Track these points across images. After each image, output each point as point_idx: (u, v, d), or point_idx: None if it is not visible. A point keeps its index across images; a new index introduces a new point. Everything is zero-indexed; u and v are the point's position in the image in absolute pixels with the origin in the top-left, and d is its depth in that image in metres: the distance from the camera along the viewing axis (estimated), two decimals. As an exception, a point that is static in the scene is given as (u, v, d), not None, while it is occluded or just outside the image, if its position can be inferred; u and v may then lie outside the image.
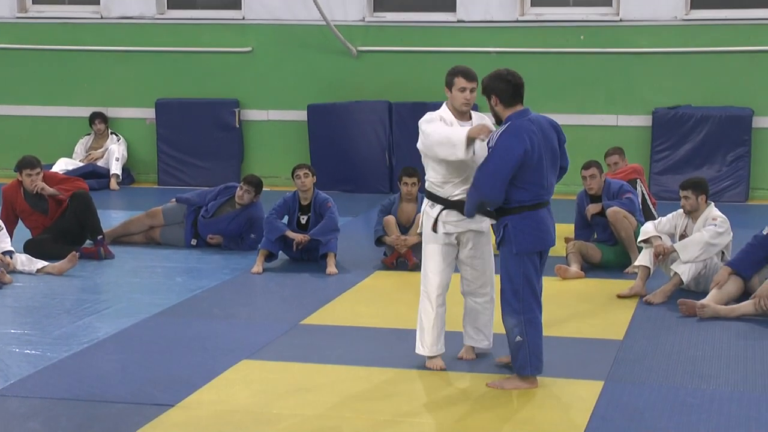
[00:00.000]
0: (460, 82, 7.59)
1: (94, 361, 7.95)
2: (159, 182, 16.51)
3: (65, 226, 11.42)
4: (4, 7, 16.91)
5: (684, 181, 10.03)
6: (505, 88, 7.38)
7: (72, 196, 11.45)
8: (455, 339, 7.96)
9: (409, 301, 9.73)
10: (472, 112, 7.75)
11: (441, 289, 7.65)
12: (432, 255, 7.62)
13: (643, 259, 9.91)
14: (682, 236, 9.93)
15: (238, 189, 11.73)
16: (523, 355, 7.23)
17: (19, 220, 11.55)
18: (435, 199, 7.59)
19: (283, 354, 8.13)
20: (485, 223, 7.58)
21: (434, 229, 7.55)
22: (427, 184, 7.65)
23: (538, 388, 7.32)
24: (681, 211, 10.04)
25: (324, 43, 16.05)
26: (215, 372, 7.61)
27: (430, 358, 7.68)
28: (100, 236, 11.38)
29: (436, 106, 15.36)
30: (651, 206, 11.98)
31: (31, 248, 11.14)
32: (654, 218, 10.98)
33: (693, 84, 15.25)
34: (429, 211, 7.60)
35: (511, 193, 7.15)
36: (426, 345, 7.67)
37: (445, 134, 7.40)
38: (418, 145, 7.65)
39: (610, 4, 15.46)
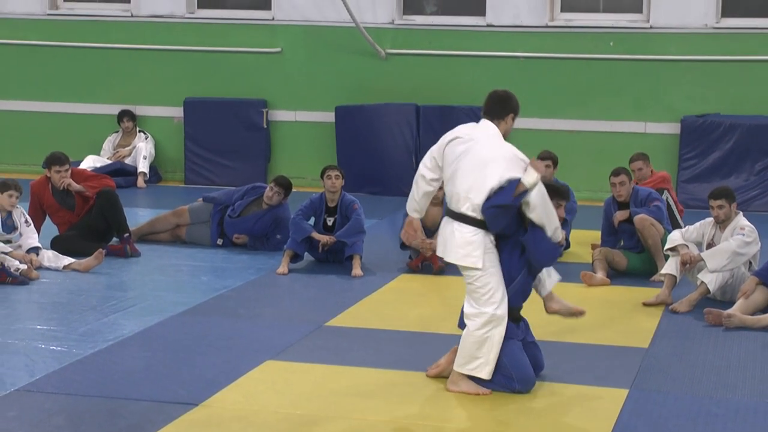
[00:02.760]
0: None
1: (119, 359, 7.97)
2: (186, 181, 16.54)
3: (92, 223, 11.47)
4: (36, 4, 16.99)
5: (714, 191, 9.96)
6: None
7: (98, 193, 11.49)
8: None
9: (433, 305, 9.73)
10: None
11: None
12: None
13: (670, 267, 9.87)
14: (710, 245, 9.88)
15: (268, 190, 11.74)
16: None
17: (47, 217, 11.60)
18: (479, 224, 7.24)
19: (308, 355, 8.13)
20: None
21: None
22: (467, 208, 7.23)
23: (562, 394, 7.29)
24: (709, 219, 10.00)
25: (353, 45, 16.05)
26: (239, 372, 7.62)
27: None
28: (127, 234, 11.42)
29: (463, 110, 15.58)
30: (677, 214, 11.94)
31: (57, 245, 11.19)
32: (680, 227, 10.94)
33: (722, 92, 15.18)
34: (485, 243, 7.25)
35: None
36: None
37: (552, 209, 7.27)
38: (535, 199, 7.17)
39: (641, 11, 15.41)
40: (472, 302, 7.24)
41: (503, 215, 7.11)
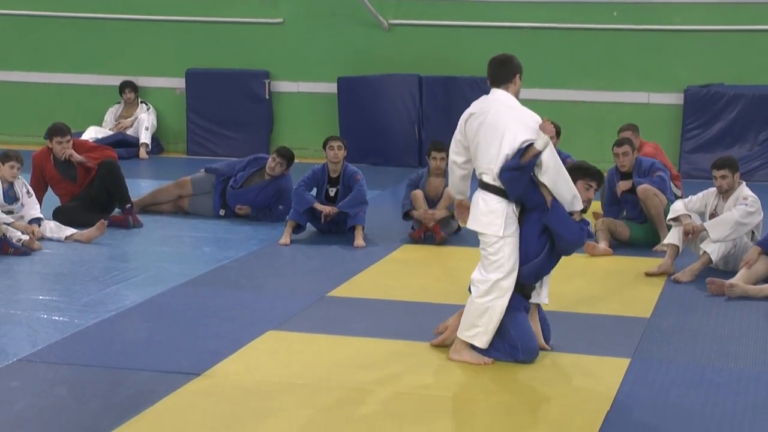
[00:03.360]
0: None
1: (121, 329, 7.98)
2: (188, 152, 16.53)
3: (93, 194, 11.46)
4: (37, -26, 16.96)
5: (717, 161, 9.94)
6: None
7: (100, 164, 11.47)
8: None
9: (436, 275, 9.73)
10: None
11: None
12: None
13: (672, 237, 9.86)
14: (712, 215, 9.87)
15: (270, 160, 11.72)
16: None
17: (48, 188, 11.59)
18: (502, 192, 7.22)
19: (310, 325, 8.13)
20: None
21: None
22: (489, 177, 7.20)
23: (566, 364, 7.30)
24: (712, 190, 9.98)
25: (355, 16, 16.00)
26: (241, 342, 7.62)
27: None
28: (129, 205, 11.41)
29: (466, 81, 15.54)
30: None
31: (59, 215, 11.19)
32: (677, 193, 10.95)
33: (726, 62, 15.13)
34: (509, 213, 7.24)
35: None
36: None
37: (567, 177, 7.25)
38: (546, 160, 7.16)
39: (644, -19, 15.36)
40: (481, 269, 7.26)
41: (519, 179, 7.11)
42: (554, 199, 7.20)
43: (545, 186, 7.18)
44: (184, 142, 16.67)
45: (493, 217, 7.18)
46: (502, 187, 7.17)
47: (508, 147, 7.12)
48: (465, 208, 7.55)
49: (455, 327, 7.46)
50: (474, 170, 7.39)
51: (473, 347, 7.30)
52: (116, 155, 12.00)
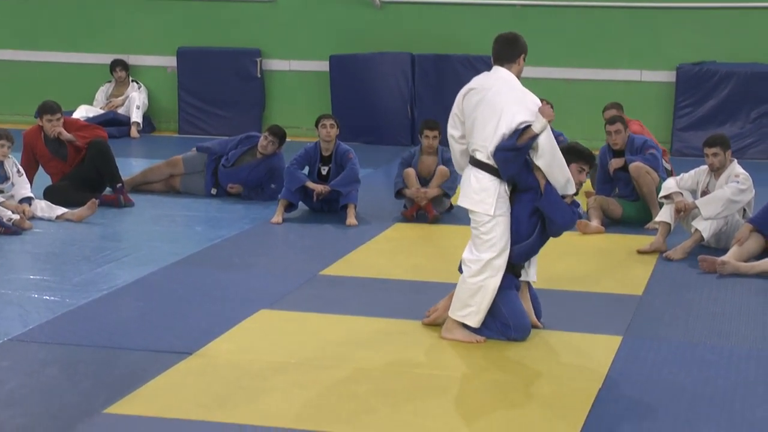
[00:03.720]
0: None
1: (113, 309, 7.96)
2: (179, 131, 16.49)
3: (84, 174, 11.43)
4: (27, -48, 16.88)
5: (709, 139, 9.94)
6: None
7: (90, 144, 11.44)
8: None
9: (428, 254, 9.73)
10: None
11: None
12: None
13: (664, 215, 9.87)
14: (704, 193, 9.88)
15: (262, 139, 11.70)
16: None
17: (39, 167, 11.55)
18: (495, 171, 7.20)
19: (302, 304, 8.13)
20: None
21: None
22: (482, 156, 7.18)
23: (557, 342, 7.31)
24: (704, 167, 9.99)
25: (347, -6, 15.97)
26: (233, 321, 7.61)
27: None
28: (120, 184, 11.38)
29: (458, 59, 15.51)
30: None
31: (50, 195, 11.16)
32: (668, 168, 10.96)
33: (718, 40, 15.12)
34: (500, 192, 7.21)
35: None
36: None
37: (563, 161, 7.21)
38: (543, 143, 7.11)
39: (637, -42, 15.33)
40: (473, 248, 7.25)
41: (513, 160, 7.09)
42: (548, 182, 7.18)
43: (540, 169, 7.17)
44: (175, 120, 16.64)
45: (485, 195, 7.17)
46: (495, 166, 7.16)
47: (505, 127, 7.09)
48: None
49: (447, 306, 7.46)
50: (467, 146, 7.37)
51: (465, 326, 7.30)
52: (107, 135, 11.95)
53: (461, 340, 7.27)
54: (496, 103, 7.16)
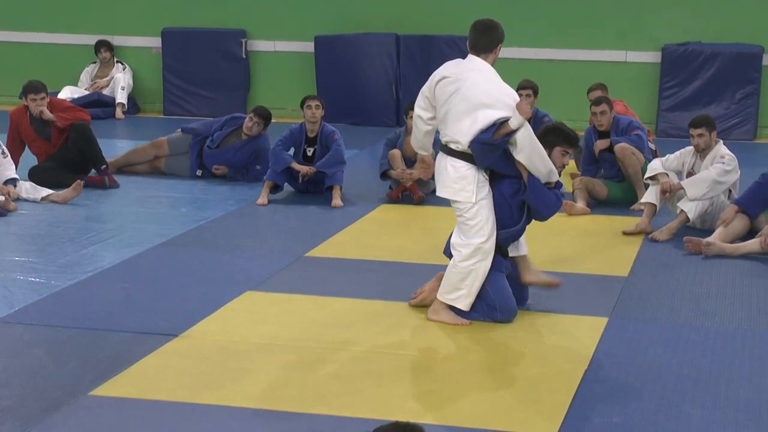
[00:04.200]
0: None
1: (99, 290, 7.95)
2: (164, 112, 16.45)
3: (68, 155, 11.39)
4: (10, -68, 16.78)
5: (694, 120, 9.94)
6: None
7: (72, 127, 11.39)
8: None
9: (413, 235, 9.73)
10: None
11: None
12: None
13: (650, 196, 9.88)
14: (690, 174, 9.89)
15: (247, 120, 11.67)
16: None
17: (26, 148, 11.52)
18: (472, 159, 7.18)
19: (287, 286, 8.13)
20: None
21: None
22: (458, 146, 7.15)
23: (543, 323, 7.32)
24: (689, 148, 10.00)
25: (332, -26, 15.92)
26: (219, 303, 7.61)
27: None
28: (104, 166, 11.35)
29: (443, 39, 15.48)
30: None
31: (35, 175, 11.12)
32: (651, 150, 10.98)
33: (703, 20, 15.11)
34: (479, 179, 7.18)
35: None
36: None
37: (543, 152, 7.17)
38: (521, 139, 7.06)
39: (622, -62, 15.30)
40: (461, 234, 7.24)
41: (489, 153, 7.07)
42: (530, 174, 7.17)
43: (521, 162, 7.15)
44: (160, 101, 16.58)
45: (464, 183, 7.14)
46: (472, 154, 7.14)
47: (482, 123, 7.03)
48: (428, 164, 7.54)
49: (433, 287, 7.46)
50: (438, 133, 7.34)
51: (452, 308, 7.30)
52: (89, 117, 11.86)
53: (448, 322, 7.28)
54: (472, 98, 7.10)
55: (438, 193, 7.36)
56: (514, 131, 7.00)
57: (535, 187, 7.18)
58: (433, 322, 7.31)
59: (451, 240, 7.30)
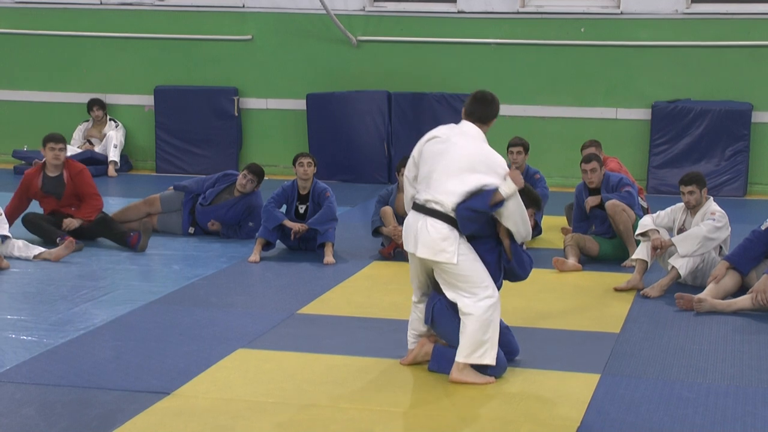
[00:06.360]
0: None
1: (90, 348, 7.93)
2: (157, 169, 16.50)
3: (86, 228, 11.40)
4: (4, -8, 16.91)
5: (685, 177, 9.99)
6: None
7: (95, 221, 11.39)
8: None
9: (405, 292, 9.69)
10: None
11: None
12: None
13: (641, 252, 9.90)
14: (681, 230, 9.93)
15: (241, 177, 11.71)
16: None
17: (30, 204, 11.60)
18: (453, 221, 7.18)
19: (280, 343, 8.12)
20: None
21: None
22: (441, 207, 7.15)
23: (535, 380, 7.31)
24: (680, 205, 10.04)
25: (324, 33, 16.03)
26: (211, 360, 7.59)
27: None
28: (132, 233, 11.31)
29: (434, 97, 15.57)
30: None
31: (29, 223, 11.22)
32: (643, 208, 11.01)
33: (693, 78, 15.24)
34: (459, 238, 7.17)
35: None
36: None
37: (527, 218, 7.22)
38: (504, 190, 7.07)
39: (611, -3, 15.46)
40: (465, 292, 7.16)
41: (476, 220, 7.08)
42: (513, 242, 7.20)
43: (505, 228, 7.16)
44: (153, 159, 16.65)
45: (445, 245, 7.11)
46: (454, 217, 7.12)
47: (471, 186, 7.06)
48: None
49: (422, 344, 7.44)
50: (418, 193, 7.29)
51: (474, 367, 7.22)
52: (102, 203, 11.62)
53: (477, 382, 7.18)
54: (461, 161, 7.12)
55: (418, 254, 7.27)
56: (504, 200, 7.03)
57: (518, 256, 7.24)
58: (440, 380, 7.24)
59: (459, 305, 7.18)
